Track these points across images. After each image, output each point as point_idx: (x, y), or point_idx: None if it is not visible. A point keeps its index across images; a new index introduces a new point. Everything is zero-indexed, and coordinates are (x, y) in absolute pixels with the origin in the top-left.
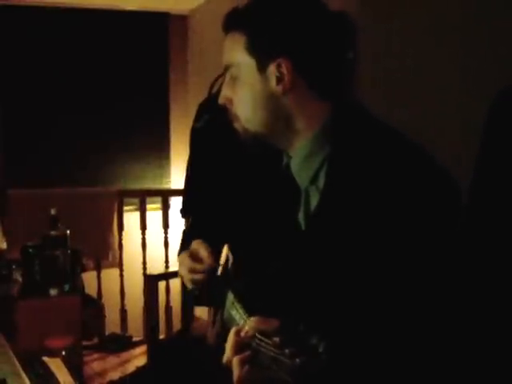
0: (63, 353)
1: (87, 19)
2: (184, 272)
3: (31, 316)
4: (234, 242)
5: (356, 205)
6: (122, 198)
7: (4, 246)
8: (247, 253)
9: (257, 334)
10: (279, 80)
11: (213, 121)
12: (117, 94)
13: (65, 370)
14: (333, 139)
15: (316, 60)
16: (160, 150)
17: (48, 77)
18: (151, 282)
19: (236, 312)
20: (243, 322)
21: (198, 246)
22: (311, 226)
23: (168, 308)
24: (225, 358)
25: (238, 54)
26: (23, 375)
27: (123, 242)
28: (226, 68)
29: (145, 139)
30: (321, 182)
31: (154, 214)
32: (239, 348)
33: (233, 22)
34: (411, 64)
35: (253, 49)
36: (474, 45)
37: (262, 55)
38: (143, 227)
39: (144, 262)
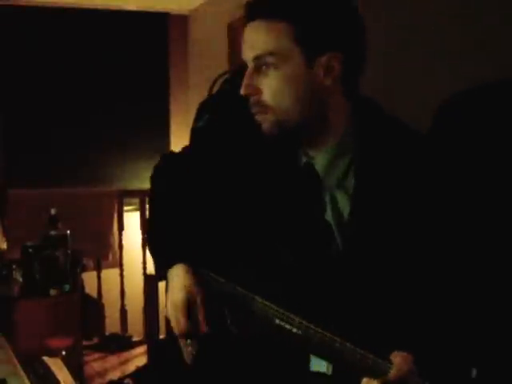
0: (63, 353)
1: (87, 19)
2: (176, 325)
3: (31, 316)
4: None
5: (390, 204)
6: (122, 198)
7: (4, 246)
8: (268, 254)
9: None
10: (327, 73)
11: (214, 121)
12: (117, 94)
13: (65, 369)
14: (358, 140)
15: (360, 59)
16: (160, 150)
17: (48, 77)
18: (151, 282)
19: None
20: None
21: (193, 293)
22: (352, 229)
23: None
24: None
25: (283, 42)
26: (23, 375)
27: (123, 242)
28: (258, 57)
29: (145, 139)
30: (349, 183)
31: None
32: None
33: (274, 11)
34: (411, 64)
35: (304, 39)
36: (475, 44)
37: (313, 46)
38: (143, 227)
39: (144, 262)
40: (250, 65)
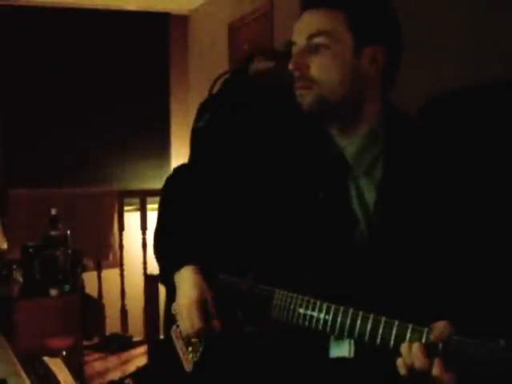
0: (64, 353)
1: (87, 19)
2: (189, 324)
3: (32, 316)
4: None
5: (415, 194)
6: (122, 198)
7: (4, 246)
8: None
9: (454, 337)
10: (371, 64)
11: (214, 121)
12: (117, 94)
13: (65, 370)
14: (386, 134)
15: (399, 55)
16: (160, 150)
17: (48, 77)
18: (151, 281)
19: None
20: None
21: (204, 292)
22: (378, 218)
23: None
24: (408, 367)
25: (336, 26)
26: (23, 375)
27: (124, 242)
28: (310, 36)
29: (145, 139)
30: (376, 173)
31: (154, 214)
32: (432, 355)
33: (331, 0)
34: (411, 64)
35: (355, 27)
36: (478, 44)
37: (362, 36)
38: (143, 227)
39: (144, 262)
40: (301, 44)
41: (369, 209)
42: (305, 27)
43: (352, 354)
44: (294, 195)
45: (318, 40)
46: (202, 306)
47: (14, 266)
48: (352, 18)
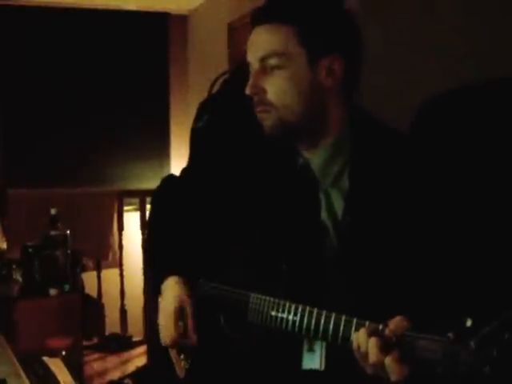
0: (63, 353)
1: (87, 19)
2: (166, 334)
3: (31, 316)
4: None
5: (383, 203)
6: (122, 198)
7: (4, 246)
8: (267, 253)
9: (407, 332)
10: (328, 75)
11: (213, 121)
12: (117, 94)
13: (65, 370)
14: (352, 142)
15: (359, 62)
16: (160, 150)
17: (48, 77)
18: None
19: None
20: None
21: (183, 303)
22: (347, 228)
23: None
24: (367, 360)
25: (287, 43)
26: (23, 375)
27: (123, 242)
28: (263, 58)
29: (145, 139)
30: (343, 183)
31: None
32: (386, 348)
33: (280, 15)
34: (410, 65)
35: (307, 41)
36: (475, 46)
37: (315, 48)
38: (143, 227)
39: (144, 262)
40: (255, 66)
41: (337, 218)
42: (257, 47)
43: (323, 367)
44: (269, 206)
45: (271, 62)
46: (179, 317)
47: (14, 266)
48: (303, 31)
